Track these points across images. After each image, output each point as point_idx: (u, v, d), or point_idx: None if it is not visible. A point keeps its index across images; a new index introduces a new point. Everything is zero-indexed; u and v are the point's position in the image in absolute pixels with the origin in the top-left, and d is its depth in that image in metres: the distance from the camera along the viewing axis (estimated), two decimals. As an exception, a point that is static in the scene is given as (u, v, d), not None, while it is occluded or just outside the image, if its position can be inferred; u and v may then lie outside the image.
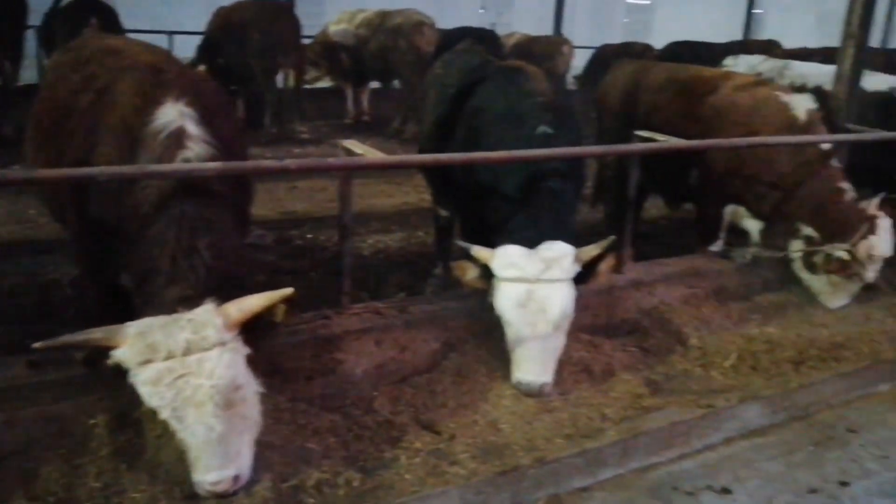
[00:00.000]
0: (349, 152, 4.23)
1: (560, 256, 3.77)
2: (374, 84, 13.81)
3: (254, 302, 2.81)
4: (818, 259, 5.26)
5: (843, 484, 3.76)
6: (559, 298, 3.77)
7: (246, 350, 2.84)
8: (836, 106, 6.12)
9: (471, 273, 3.92)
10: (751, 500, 3.60)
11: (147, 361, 2.65)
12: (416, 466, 3.40)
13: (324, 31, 13.06)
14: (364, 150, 4.17)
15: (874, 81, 6.71)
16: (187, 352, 2.66)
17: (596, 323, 4.76)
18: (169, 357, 2.65)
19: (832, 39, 6.27)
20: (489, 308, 4.06)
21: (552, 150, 4.10)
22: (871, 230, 5.08)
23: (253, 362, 2.92)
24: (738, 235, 5.99)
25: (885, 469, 3.91)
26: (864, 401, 4.61)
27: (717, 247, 5.90)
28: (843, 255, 5.05)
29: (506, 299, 3.79)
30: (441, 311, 4.38)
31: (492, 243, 3.91)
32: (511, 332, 3.87)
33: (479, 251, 3.82)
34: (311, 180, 8.79)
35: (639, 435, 3.75)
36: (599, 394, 4.09)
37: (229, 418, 2.75)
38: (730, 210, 5.83)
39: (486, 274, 3.86)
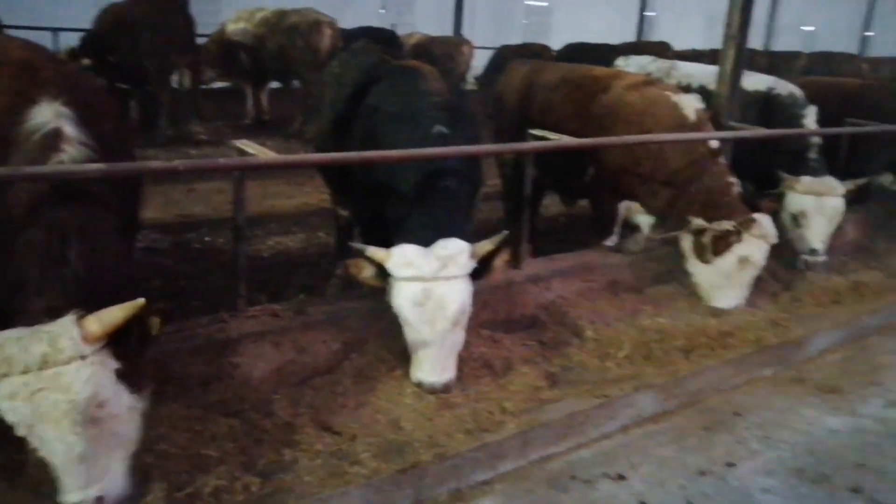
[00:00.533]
0: (242, 152, 4.15)
1: (455, 253, 3.81)
2: (275, 84, 13.61)
3: (115, 314, 2.65)
4: (707, 240, 5.37)
5: (730, 465, 3.95)
6: (456, 295, 3.81)
7: (114, 364, 2.68)
8: (719, 105, 6.39)
9: (366, 272, 3.91)
10: (644, 484, 3.74)
11: (4, 375, 2.51)
12: (317, 468, 3.37)
13: (221, 29, 12.78)
14: (257, 150, 4.10)
15: (754, 81, 7.03)
16: (44, 366, 2.52)
17: (495, 318, 4.83)
18: (25, 371, 2.51)
19: (720, 41, 6.55)
20: (388, 307, 4.07)
21: (447, 149, 4.14)
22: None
23: (138, 373, 2.81)
24: (631, 230, 6.19)
25: (768, 449, 4.13)
26: (749, 385, 4.86)
27: (611, 241, 6.08)
28: (728, 226, 5.21)
29: (403, 299, 3.80)
30: (340, 311, 4.36)
31: (391, 242, 3.92)
32: (410, 331, 3.88)
33: (373, 252, 3.82)
34: (208, 182, 8.58)
35: (537, 427, 3.83)
36: (499, 388, 4.15)
37: (94, 435, 2.62)
38: (624, 206, 6.01)
39: (383, 274, 3.86)
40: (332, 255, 6.20)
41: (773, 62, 18.03)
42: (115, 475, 2.78)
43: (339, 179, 5.12)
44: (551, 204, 8.33)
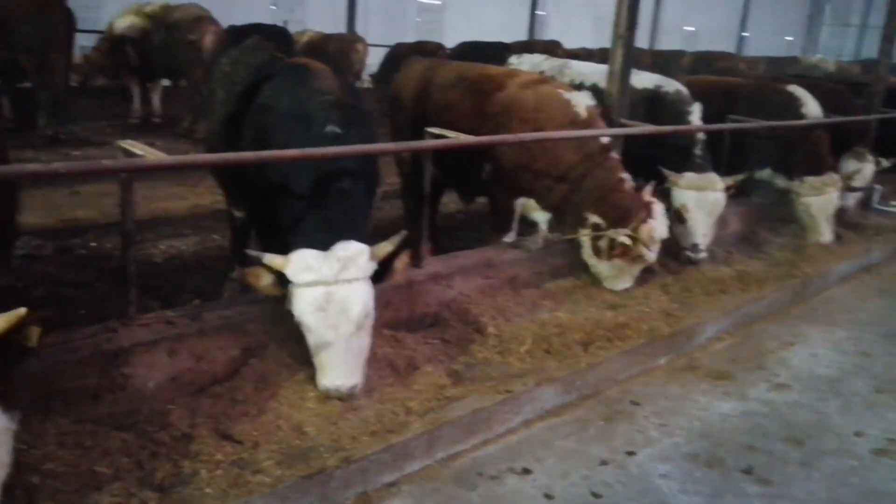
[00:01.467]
0: (128, 153, 3.96)
1: (355, 255, 3.76)
2: (165, 82, 13.13)
3: None
4: (603, 244, 5.61)
5: (630, 453, 4.07)
6: (359, 297, 3.77)
7: None
8: (610, 102, 6.57)
9: (264, 280, 3.82)
10: (549, 477, 3.80)
11: None
12: (218, 479, 3.25)
13: (110, 25, 12.22)
14: (143, 150, 3.92)
15: (641, 79, 7.25)
16: None
17: (397, 318, 4.80)
18: None
19: (608, 41, 6.72)
20: (288, 313, 3.98)
21: (341, 149, 4.08)
22: (649, 214, 5.50)
23: (11, 390, 2.59)
24: (528, 226, 6.28)
25: (665, 436, 4.27)
26: (645, 375, 5.02)
27: (510, 238, 6.15)
28: (625, 240, 5.42)
29: (305, 304, 3.72)
30: (238, 316, 4.22)
31: (286, 244, 3.83)
32: (313, 337, 3.80)
33: (271, 259, 3.72)
34: (94, 185, 8.18)
35: (443, 425, 3.83)
36: (404, 388, 4.12)
37: None
38: (520, 202, 6.09)
39: (282, 280, 3.77)
40: (228, 257, 6.02)
41: (659, 61, 18.72)
42: None
43: (233, 180, 4.97)
44: (450, 201, 8.36)
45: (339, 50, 15.38)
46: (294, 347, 4.12)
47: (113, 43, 11.80)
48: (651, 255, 5.58)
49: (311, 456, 3.44)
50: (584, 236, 5.69)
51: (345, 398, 3.82)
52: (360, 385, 3.88)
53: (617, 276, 5.76)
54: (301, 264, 3.71)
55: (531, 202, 6.07)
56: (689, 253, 6.43)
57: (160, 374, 3.77)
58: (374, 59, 16.82)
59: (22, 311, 2.49)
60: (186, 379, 3.84)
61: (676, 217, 6.37)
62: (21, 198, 3.80)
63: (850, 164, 8.60)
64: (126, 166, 3.69)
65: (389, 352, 4.40)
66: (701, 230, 6.41)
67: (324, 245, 3.75)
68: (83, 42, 15.30)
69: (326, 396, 3.82)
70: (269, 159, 4.05)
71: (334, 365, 3.81)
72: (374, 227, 4.61)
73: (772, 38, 39.21)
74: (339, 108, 4.36)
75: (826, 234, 7.69)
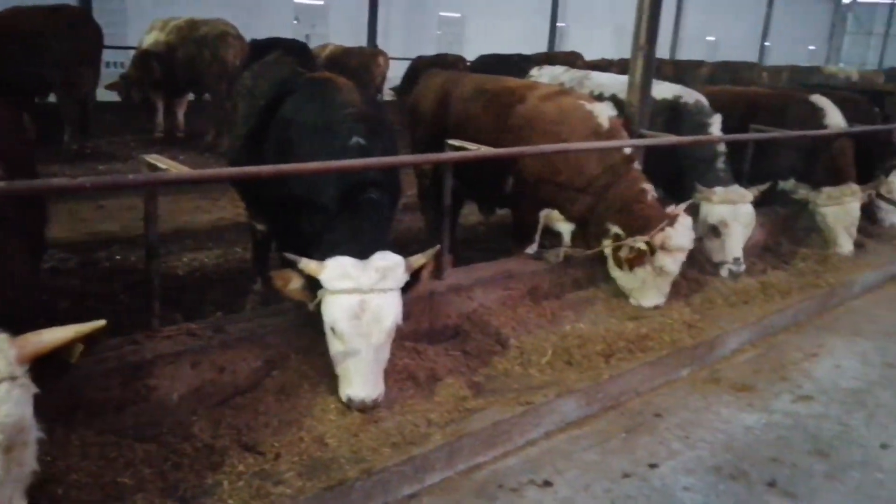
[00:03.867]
0: (152, 167, 4.02)
1: (393, 266, 3.79)
2: (190, 97, 13.28)
3: (56, 335, 2.51)
4: (622, 253, 5.58)
5: (653, 466, 4.04)
6: (392, 307, 3.80)
7: (34, 389, 2.52)
8: (630, 113, 6.56)
9: (294, 284, 3.84)
10: (570, 489, 3.78)
11: None
12: (240, 490, 3.27)
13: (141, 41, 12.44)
14: (168, 165, 3.98)
15: (661, 90, 7.24)
16: None
17: (418, 329, 4.81)
18: None
19: (627, 51, 6.73)
20: (311, 322, 4.01)
21: (365, 161, 4.12)
22: (670, 225, 5.46)
23: (45, 398, 2.61)
24: (552, 237, 6.28)
25: (687, 448, 4.23)
26: (667, 386, 4.99)
27: (531, 249, 6.14)
28: (641, 245, 5.38)
29: (340, 310, 3.73)
30: (260, 328, 4.25)
31: (309, 256, 3.86)
32: (342, 345, 3.80)
33: (307, 263, 3.75)
34: (118, 198, 8.28)
35: (463, 437, 3.83)
36: (424, 399, 4.12)
37: (6, 464, 2.43)
38: (544, 214, 6.08)
39: (312, 286, 3.79)
40: (250, 270, 6.07)
41: (678, 71, 18.70)
42: None
43: (255, 193, 5.01)
44: (470, 213, 8.38)
45: (360, 63, 15.49)
46: (315, 359, 4.15)
47: (139, 58, 11.96)
48: (670, 263, 5.51)
49: (332, 467, 3.45)
50: (604, 248, 5.66)
51: (368, 410, 3.83)
52: (382, 396, 3.89)
53: (642, 290, 5.65)
54: (338, 271, 3.72)
55: (555, 213, 6.06)
56: (731, 267, 6.33)
57: (183, 385, 3.80)
58: (395, 73, 16.92)
59: (100, 322, 2.54)
60: (209, 390, 3.87)
61: (712, 232, 6.32)
62: (49, 211, 3.86)
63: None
64: (150, 180, 3.75)
65: (410, 363, 4.41)
66: (740, 243, 6.35)
67: (359, 254, 3.77)
68: (109, 58, 15.58)
69: (349, 407, 3.83)
70: (290, 172, 4.08)
71: (361, 375, 3.81)
72: (394, 238, 4.63)
73: (794, 48, 39.04)
74: (364, 120, 4.40)
75: (845, 244, 7.59)
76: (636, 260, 5.48)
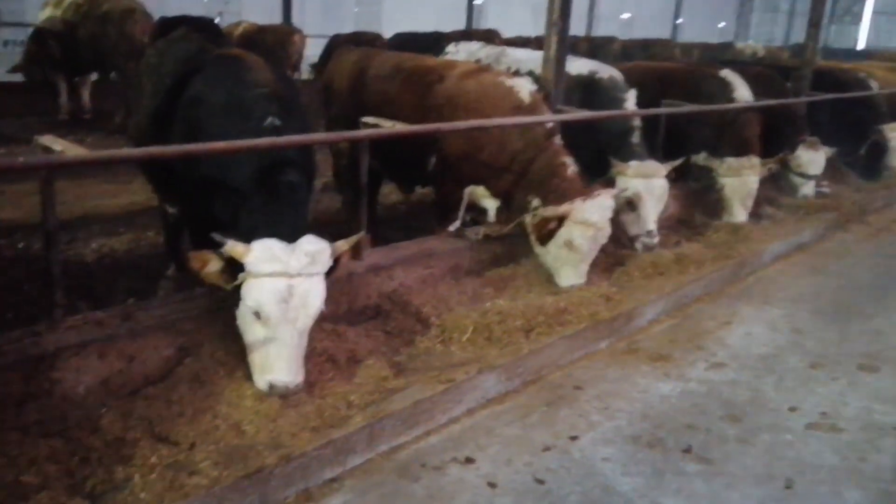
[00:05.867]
0: (47, 150, 3.82)
1: (321, 250, 3.73)
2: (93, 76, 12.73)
3: None
4: (529, 221, 5.61)
5: (573, 438, 4.09)
6: (319, 292, 3.75)
7: None
8: (546, 89, 6.58)
9: (212, 266, 3.71)
10: (492, 465, 3.79)
11: None
12: (153, 483, 3.15)
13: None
14: (64, 146, 3.78)
15: (577, 65, 7.29)
16: None
17: (338, 311, 4.73)
18: None
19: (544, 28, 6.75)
20: (226, 307, 3.89)
21: (276, 139, 4.00)
22: (586, 198, 5.49)
23: None
24: (477, 214, 6.26)
25: (606, 419, 4.30)
26: (587, 359, 5.06)
27: (454, 227, 6.10)
28: (547, 213, 5.41)
29: (267, 294, 3.63)
30: (172, 314, 4.11)
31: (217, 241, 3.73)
32: (265, 330, 3.70)
33: (233, 245, 3.63)
34: (20, 184, 7.87)
35: (384, 417, 3.79)
36: (345, 382, 4.06)
37: None
38: (468, 191, 6.05)
39: (233, 269, 3.68)
40: (163, 255, 5.88)
41: (592, 47, 18.96)
42: None
43: (163, 177, 4.83)
44: (390, 192, 8.32)
45: (275, 41, 15.15)
46: (231, 345, 4.04)
47: (34, 37, 11.39)
48: (578, 237, 5.44)
49: (250, 455, 3.36)
50: (517, 222, 5.65)
51: (290, 394, 3.75)
52: (303, 381, 3.82)
53: (558, 269, 5.65)
54: (266, 254, 3.62)
55: (480, 189, 6.02)
56: (644, 239, 6.45)
57: (90, 377, 3.64)
58: (313, 51, 16.60)
59: None
60: (118, 381, 3.73)
61: (627, 206, 6.40)
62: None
63: (803, 154, 8.77)
64: (43, 163, 3.55)
65: (330, 346, 4.33)
66: (653, 216, 6.46)
67: (284, 237, 3.68)
68: (8, 36, 14.83)
69: (269, 394, 3.73)
70: (199, 152, 3.94)
71: (285, 360, 3.73)
72: (312, 220, 4.53)
73: (705, 24, 39.98)
74: (278, 99, 4.28)
75: (738, 215, 7.82)
76: (543, 230, 5.49)
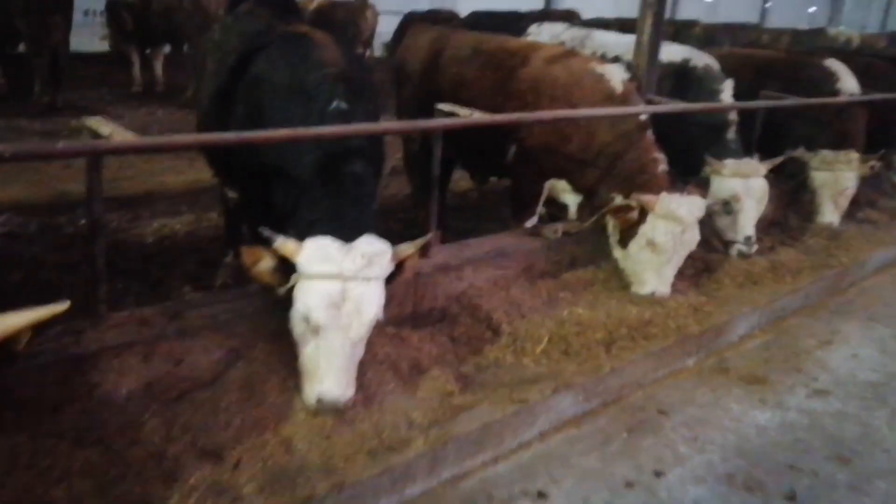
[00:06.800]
0: (94, 133, 3.53)
1: (380, 253, 3.35)
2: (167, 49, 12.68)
3: (8, 323, 2.18)
4: (614, 224, 5.16)
5: (659, 474, 3.65)
6: (376, 298, 3.36)
7: None
8: (638, 77, 6.06)
9: (264, 263, 3.37)
10: (567, 502, 3.38)
11: None
12: (192, 507, 2.86)
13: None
14: (112, 130, 3.49)
15: (669, 52, 6.71)
16: None
17: (401, 314, 4.38)
18: None
19: (625, 9, 6.21)
20: (280, 309, 3.55)
21: (344, 127, 3.64)
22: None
23: None
24: (556, 209, 5.82)
25: (696, 452, 3.86)
26: (672, 378, 4.61)
27: (531, 222, 5.65)
28: (631, 202, 4.94)
29: (318, 298, 3.27)
30: (223, 313, 3.79)
31: (283, 230, 3.39)
32: (315, 337, 3.34)
33: (284, 242, 3.29)
34: (87, 157, 7.77)
35: (449, 441, 3.42)
36: (407, 395, 3.71)
37: None
38: (549, 184, 5.60)
39: (286, 268, 3.34)
40: (223, 240, 5.62)
41: (671, 31, 18.07)
42: None
43: (223, 160, 4.52)
44: (461, 178, 7.89)
45: (347, 17, 14.85)
46: (286, 349, 3.69)
47: (109, 9, 11.34)
48: (661, 234, 4.90)
49: (299, 480, 3.04)
50: (597, 217, 5.18)
51: (338, 410, 3.38)
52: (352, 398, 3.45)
53: (639, 273, 5.11)
54: (318, 253, 3.27)
55: (561, 183, 5.57)
56: (741, 247, 5.84)
57: (132, 381, 3.35)
58: (386, 28, 16.25)
59: (63, 306, 2.27)
60: (162, 386, 3.43)
61: (722, 208, 5.82)
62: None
63: None
64: (85, 149, 3.26)
65: (392, 352, 3.97)
66: (752, 221, 5.86)
67: (342, 236, 3.33)
68: (88, 5, 14.90)
69: (317, 409, 3.38)
70: (258, 140, 3.60)
71: (333, 371, 3.34)
72: (377, 207, 4.15)
73: (795, 9, 38.26)
74: (345, 80, 3.90)
75: (828, 214, 7.15)
76: (624, 221, 5.01)
